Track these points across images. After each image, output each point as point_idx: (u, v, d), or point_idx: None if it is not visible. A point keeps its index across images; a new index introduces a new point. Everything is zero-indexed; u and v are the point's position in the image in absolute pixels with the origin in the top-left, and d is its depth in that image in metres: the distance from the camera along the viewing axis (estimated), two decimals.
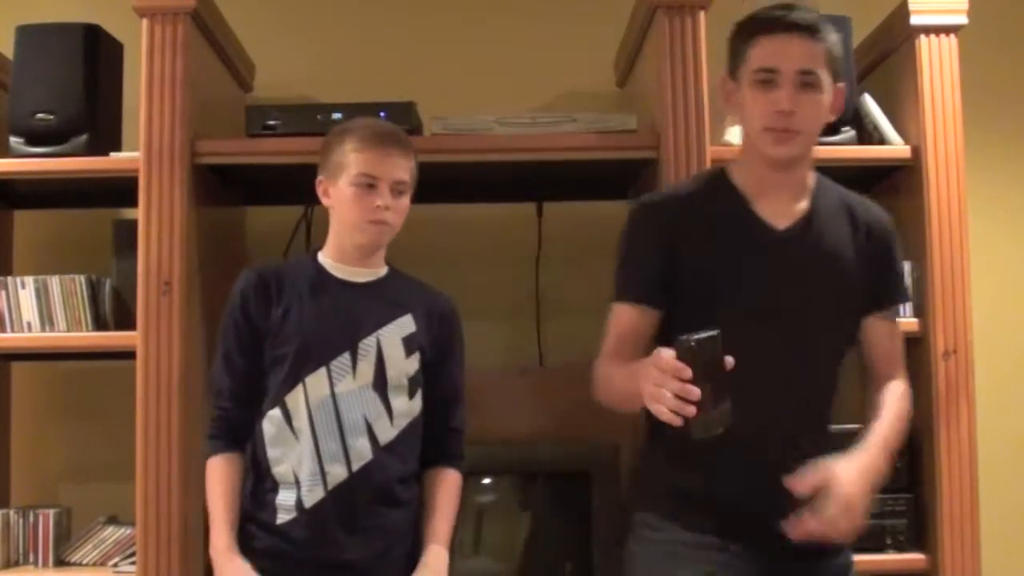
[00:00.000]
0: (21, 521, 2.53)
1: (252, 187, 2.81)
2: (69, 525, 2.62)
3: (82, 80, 2.50)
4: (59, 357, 2.70)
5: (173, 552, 2.30)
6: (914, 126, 2.52)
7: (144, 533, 2.31)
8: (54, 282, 2.49)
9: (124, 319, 2.50)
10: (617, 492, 2.49)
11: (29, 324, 2.48)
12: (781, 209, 1.86)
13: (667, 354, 1.49)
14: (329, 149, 2.05)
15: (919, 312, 2.49)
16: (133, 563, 2.38)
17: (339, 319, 2.01)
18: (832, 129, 2.54)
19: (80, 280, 2.49)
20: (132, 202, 2.40)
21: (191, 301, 2.39)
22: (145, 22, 2.40)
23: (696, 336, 1.50)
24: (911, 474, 2.50)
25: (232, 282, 2.08)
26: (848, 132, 2.56)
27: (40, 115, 2.48)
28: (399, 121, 2.45)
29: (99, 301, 2.51)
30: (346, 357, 1.99)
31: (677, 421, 1.49)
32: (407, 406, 2.02)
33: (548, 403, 2.77)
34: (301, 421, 1.96)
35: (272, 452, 1.97)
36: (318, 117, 2.45)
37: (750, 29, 1.81)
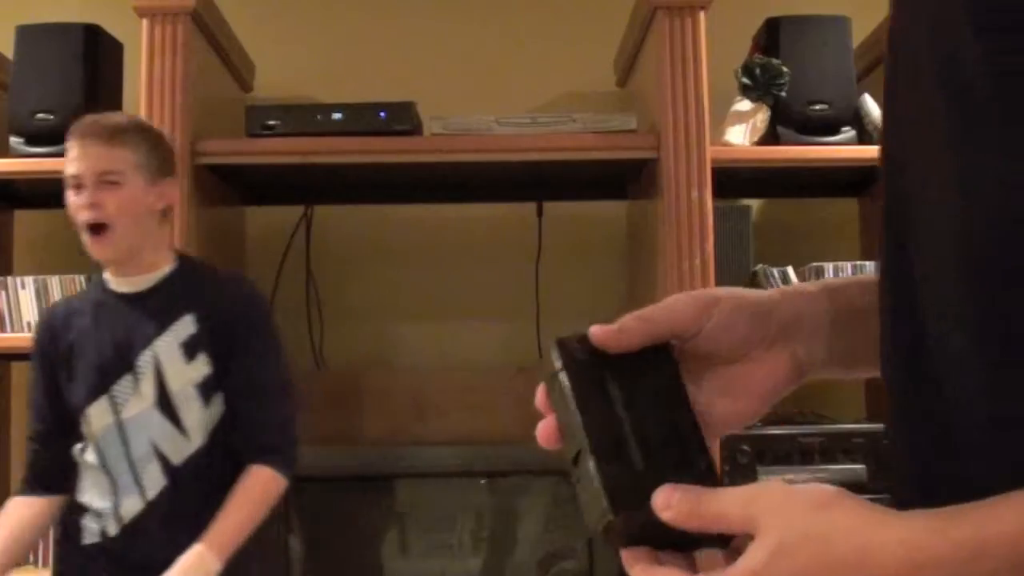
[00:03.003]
0: None
1: (252, 187, 2.82)
2: None
3: (82, 80, 2.49)
4: None
5: None
6: None
7: None
8: (54, 282, 2.48)
9: None
10: None
11: (29, 324, 2.48)
12: None
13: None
14: None
15: None
16: None
17: (115, 340, 1.88)
18: (832, 129, 2.54)
19: (80, 280, 2.48)
20: None
21: None
22: (145, 22, 2.40)
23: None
24: None
25: None
26: (848, 132, 2.55)
27: (40, 115, 2.48)
28: (399, 121, 2.45)
29: None
30: (128, 379, 1.87)
31: None
32: (204, 415, 1.88)
33: None
34: (91, 455, 1.91)
35: (79, 483, 1.94)
36: (318, 117, 2.45)
37: None
